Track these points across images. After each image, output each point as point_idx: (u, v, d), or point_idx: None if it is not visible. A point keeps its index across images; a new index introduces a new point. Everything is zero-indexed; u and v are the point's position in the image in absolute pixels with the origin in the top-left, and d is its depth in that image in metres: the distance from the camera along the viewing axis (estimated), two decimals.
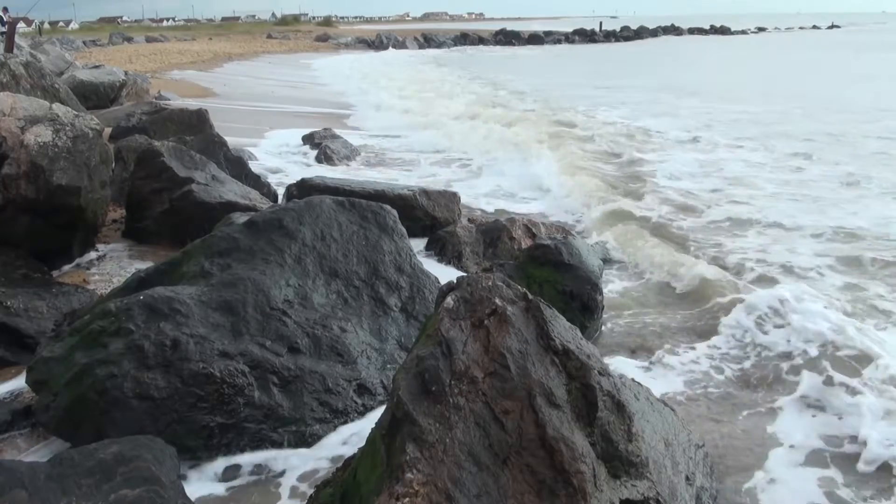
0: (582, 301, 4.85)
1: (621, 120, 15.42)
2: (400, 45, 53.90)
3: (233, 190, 6.38)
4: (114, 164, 6.09)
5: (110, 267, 5.46)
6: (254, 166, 8.50)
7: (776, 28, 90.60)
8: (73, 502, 2.43)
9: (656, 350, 4.71)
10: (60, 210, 5.13)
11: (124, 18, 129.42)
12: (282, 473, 3.27)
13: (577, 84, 24.83)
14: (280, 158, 10.87)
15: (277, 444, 3.34)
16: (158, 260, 4.82)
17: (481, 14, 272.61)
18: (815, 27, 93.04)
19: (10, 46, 11.48)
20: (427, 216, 6.81)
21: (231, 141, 8.42)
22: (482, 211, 8.27)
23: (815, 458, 3.56)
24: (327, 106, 18.54)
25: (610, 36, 69.46)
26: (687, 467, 3.11)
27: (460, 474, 2.38)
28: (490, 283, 2.91)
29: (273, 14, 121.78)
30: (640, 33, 72.38)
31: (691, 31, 76.39)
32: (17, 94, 5.75)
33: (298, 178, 7.34)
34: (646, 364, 4.54)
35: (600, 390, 2.73)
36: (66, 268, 5.34)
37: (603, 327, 5.04)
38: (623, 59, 42.35)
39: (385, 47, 52.53)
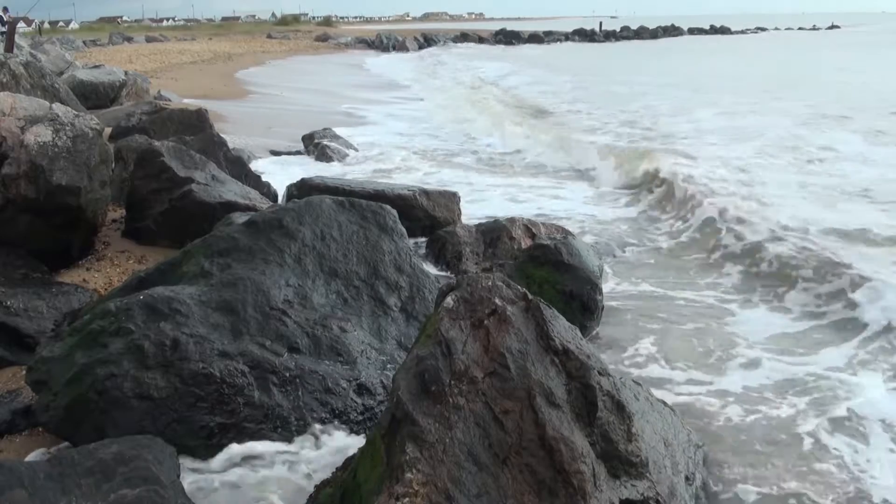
0: (582, 301, 4.85)
1: None
2: (400, 45, 53.71)
3: (233, 190, 6.37)
4: (114, 164, 6.08)
5: (110, 267, 5.45)
6: (253, 165, 8.48)
7: (776, 28, 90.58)
8: (72, 502, 2.43)
9: None
10: (60, 210, 5.12)
11: (124, 18, 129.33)
12: (282, 474, 3.27)
13: None
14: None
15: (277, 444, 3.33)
16: (158, 260, 4.82)
17: (481, 14, 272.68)
18: (814, 27, 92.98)
19: (10, 46, 11.48)
20: (427, 216, 6.80)
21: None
22: None
23: None
24: None
25: (610, 36, 69.36)
26: (686, 467, 3.11)
27: (460, 474, 2.39)
28: (490, 283, 2.91)
29: (273, 14, 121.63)
30: (640, 33, 72.27)
31: (691, 31, 76.28)
32: (17, 94, 5.76)
33: (298, 178, 7.33)
34: None
35: (600, 390, 2.73)
36: (66, 268, 5.33)
37: None
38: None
39: (385, 48, 52.23)
